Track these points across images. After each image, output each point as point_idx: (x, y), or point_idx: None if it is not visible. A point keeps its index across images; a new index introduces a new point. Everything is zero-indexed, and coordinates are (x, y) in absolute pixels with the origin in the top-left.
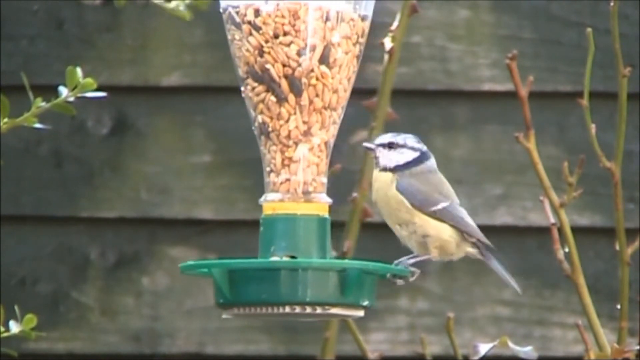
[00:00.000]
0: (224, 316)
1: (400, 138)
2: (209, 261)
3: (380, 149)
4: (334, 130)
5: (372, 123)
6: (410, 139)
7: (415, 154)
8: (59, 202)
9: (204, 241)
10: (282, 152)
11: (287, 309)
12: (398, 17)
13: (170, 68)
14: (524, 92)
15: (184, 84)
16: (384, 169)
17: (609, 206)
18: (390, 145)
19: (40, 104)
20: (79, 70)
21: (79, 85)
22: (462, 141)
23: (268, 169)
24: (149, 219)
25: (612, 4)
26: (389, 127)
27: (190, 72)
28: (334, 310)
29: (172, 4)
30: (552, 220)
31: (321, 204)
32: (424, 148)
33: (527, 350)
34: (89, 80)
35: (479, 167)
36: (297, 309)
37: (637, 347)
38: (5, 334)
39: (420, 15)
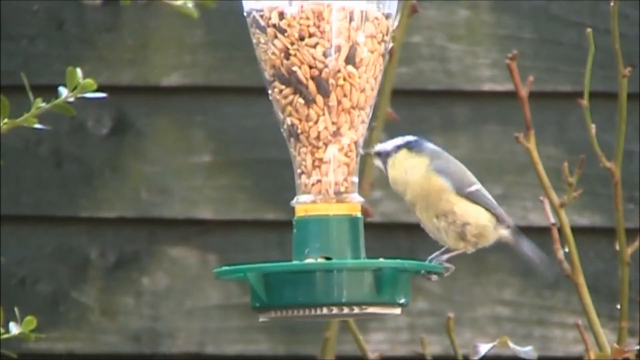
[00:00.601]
0: (260, 320)
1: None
2: (244, 266)
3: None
4: (362, 129)
5: (372, 123)
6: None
7: (418, 137)
8: (59, 202)
9: (204, 241)
10: (312, 154)
11: (324, 310)
12: (398, 17)
13: (170, 68)
14: (524, 92)
15: (184, 84)
16: (398, 148)
17: (609, 206)
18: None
19: (40, 104)
20: (78, 71)
21: (79, 85)
22: (462, 141)
23: (299, 170)
24: (149, 219)
25: (612, 4)
26: (389, 127)
27: (190, 72)
28: (371, 310)
29: (179, 2)
30: (552, 220)
31: (353, 204)
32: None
33: (527, 350)
34: (89, 80)
35: (479, 167)
36: (334, 310)
37: (637, 347)
38: (5, 336)
39: (420, 15)
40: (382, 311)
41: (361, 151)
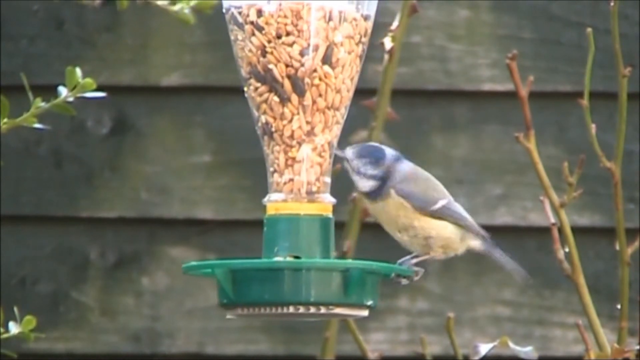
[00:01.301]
0: (227, 316)
1: (358, 164)
2: (212, 261)
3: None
4: (337, 130)
5: (372, 123)
6: (367, 166)
7: (390, 159)
8: (59, 202)
9: (204, 241)
10: (286, 152)
11: (291, 309)
12: (398, 17)
13: (170, 68)
14: (524, 92)
15: (184, 84)
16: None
17: (609, 206)
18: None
19: (40, 104)
20: (78, 71)
21: (78, 85)
22: (462, 141)
23: (271, 169)
24: (149, 219)
25: (612, 4)
26: (389, 127)
27: (190, 72)
28: (338, 310)
29: (176, 7)
30: (552, 220)
31: (325, 204)
32: (390, 155)
33: (527, 350)
34: (89, 80)
35: (479, 167)
36: (301, 309)
37: (637, 347)
38: (5, 335)
39: (420, 15)
40: (349, 312)
41: (335, 151)
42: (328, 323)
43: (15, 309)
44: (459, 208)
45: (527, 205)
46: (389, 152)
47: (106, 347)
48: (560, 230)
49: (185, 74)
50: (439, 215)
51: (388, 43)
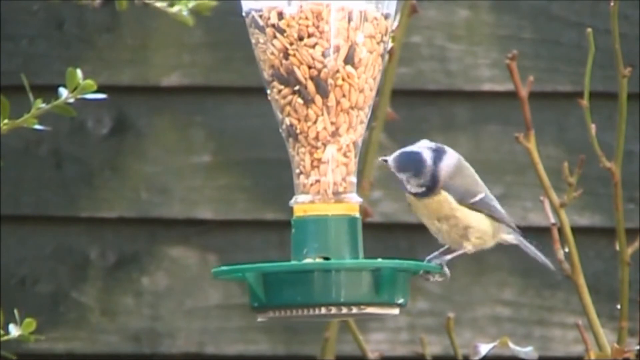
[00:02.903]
0: (259, 319)
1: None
2: (243, 266)
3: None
4: (361, 129)
5: (372, 123)
6: (411, 179)
7: (430, 159)
8: (59, 202)
9: (204, 241)
10: (311, 154)
11: (323, 310)
12: (398, 17)
13: (170, 68)
14: (524, 92)
15: (184, 84)
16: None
17: (609, 206)
18: (415, 174)
19: (40, 105)
20: (79, 72)
21: (79, 86)
22: (462, 141)
23: (297, 170)
24: (149, 219)
25: (612, 4)
26: (389, 127)
27: (190, 72)
28: (369, 310)
29: (174, 9)
30: (552, 220)
31: (352, 204)
32: (429, 159)
33: (527, 350)
34: (89, 81)
35: (479, 167)
36: (333, 310)
37: (637, 347)
38: (5, 338)
39: (420, 15)
40: (381, 311)
41: (379, 159)
42: (328, 323)
43: (16, 312)
44: (494, 201)
45: (527, 205)
46: (427, 155)
47: (106, 347)
48: (560, 230)
49: (185, 74)
50: (477, 207)
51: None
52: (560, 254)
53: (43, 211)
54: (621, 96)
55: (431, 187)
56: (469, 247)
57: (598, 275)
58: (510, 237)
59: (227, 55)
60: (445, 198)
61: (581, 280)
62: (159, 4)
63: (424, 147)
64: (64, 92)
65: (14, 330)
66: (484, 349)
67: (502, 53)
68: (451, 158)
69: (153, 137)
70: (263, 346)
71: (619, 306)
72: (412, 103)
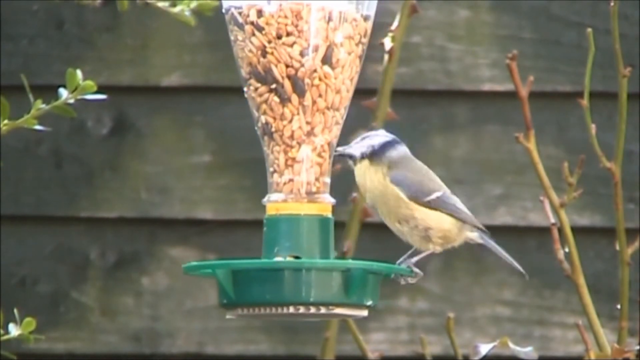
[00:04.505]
0: (227, 316)
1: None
2: (213, 262)
3: (353, 145)
4: (337, 130)
5: (372, 123)
6: (377, 133)
7: (387, 138)
8: (59, 202)
9: (204, 241)
10: (286, 153)
11: (291, 309)
12: (398, 17)
13: (170, 68)
14: (524, 92)
15: (184, 84)
16: (362, 157)
17: (609, 206)
18: (362, 138)
19: (40, 105)
20: (79, 72)
21: (79, 87)
22: (462, 141)
23: (271, 169)
24: (149, 219)
25: (612, 4)
26: (389, 127)
27: (190, 72)
28: (338, 310)
29: (176, 9)
30: (552, 220)
31: (324, 204)
32: (393, 137)
33: (527, 350)
34: (89, 82)
35: (479, 167)
36: (301, 309)
37: (637, 347)
38: (5, 337)
39: (420, 15)
40: (350, 312)
41: (335, 150)
42: (328, 323)
43: (16, 312)
44: (454, 200)
45: (527, 205)
46: (378, 136)
47: (106, 347)
48: (560, 230)
49: (185, 74)
50: (434, 206)
51: (388, 43)
52: (561, 254)
53: (43, 211)
54: (621, 96)
55: (370, 154)
56: (436, 248)
57: (598, 275)
58: (475, 235)
59: (227, 55)
60: (392, 190)
61: (581, 280)
62: (161, 4)
63: (380, 134)
64: (64, 93)
65: (14, 330)
66: (484, 349)
67: (502, 53)
68: (400, 149)
69: (153, 137)
70: (263, 346)
71: (619, 306)
72: (412, 103)
